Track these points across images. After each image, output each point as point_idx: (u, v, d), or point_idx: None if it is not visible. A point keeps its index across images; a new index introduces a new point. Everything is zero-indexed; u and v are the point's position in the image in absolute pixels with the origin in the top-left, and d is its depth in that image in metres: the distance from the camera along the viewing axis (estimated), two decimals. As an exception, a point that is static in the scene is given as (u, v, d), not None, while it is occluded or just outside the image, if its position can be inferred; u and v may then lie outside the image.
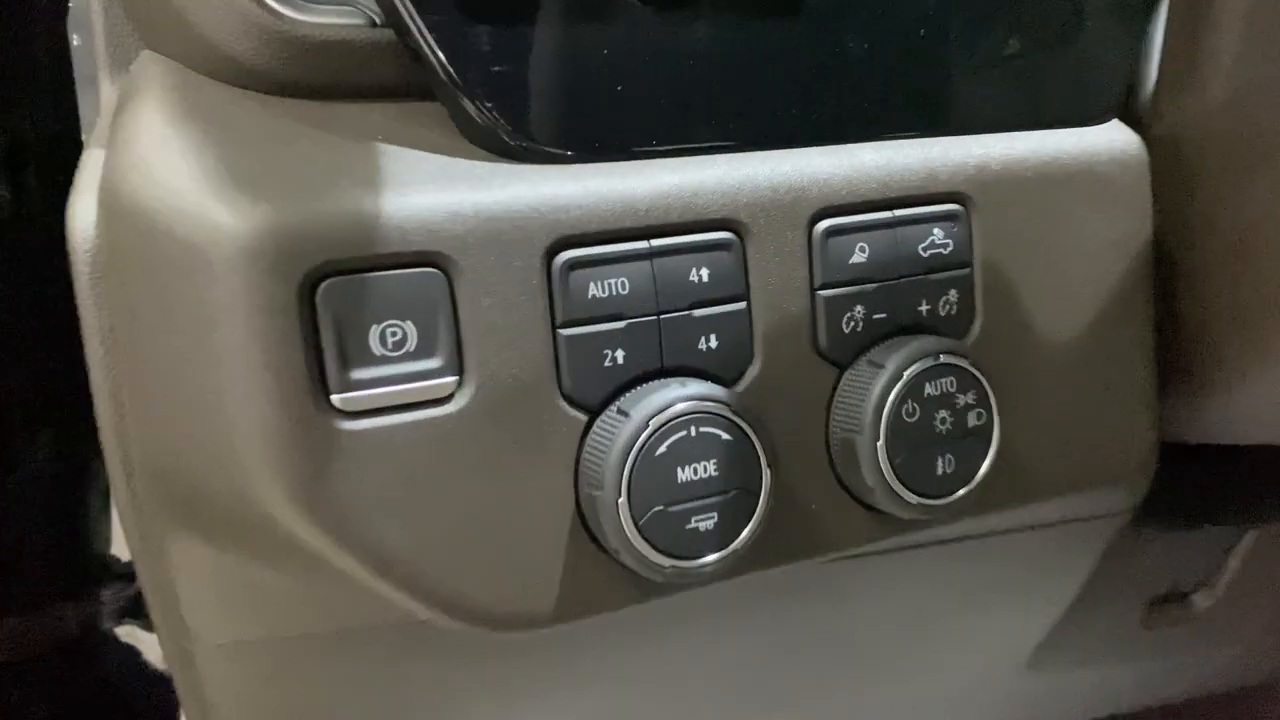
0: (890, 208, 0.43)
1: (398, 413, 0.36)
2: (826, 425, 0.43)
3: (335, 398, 0.35)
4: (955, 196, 0.44)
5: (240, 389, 0.35)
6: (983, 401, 0.43)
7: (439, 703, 0.48)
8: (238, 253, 0.34)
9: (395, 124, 0.39)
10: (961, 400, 0.43)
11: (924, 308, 0.44)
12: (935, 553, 0.54)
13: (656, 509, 0.38)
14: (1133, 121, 0.50)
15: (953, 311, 0.44)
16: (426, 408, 0.36)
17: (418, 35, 0.37)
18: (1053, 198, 0.46)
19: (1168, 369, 0.51)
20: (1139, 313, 0.49)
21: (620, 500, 0.37)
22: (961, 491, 0.43)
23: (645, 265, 0.39)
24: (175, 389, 0.36)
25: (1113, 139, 0.48)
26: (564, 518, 0.39)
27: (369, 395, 0.36)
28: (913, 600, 0.58)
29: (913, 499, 0.42)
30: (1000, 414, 0.46)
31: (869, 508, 0.44)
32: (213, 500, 0.37)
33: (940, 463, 0.42)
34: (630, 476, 0.37)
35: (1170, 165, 0.49)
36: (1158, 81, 0.49)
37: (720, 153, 0.41)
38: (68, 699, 0.63)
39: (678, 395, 0.38)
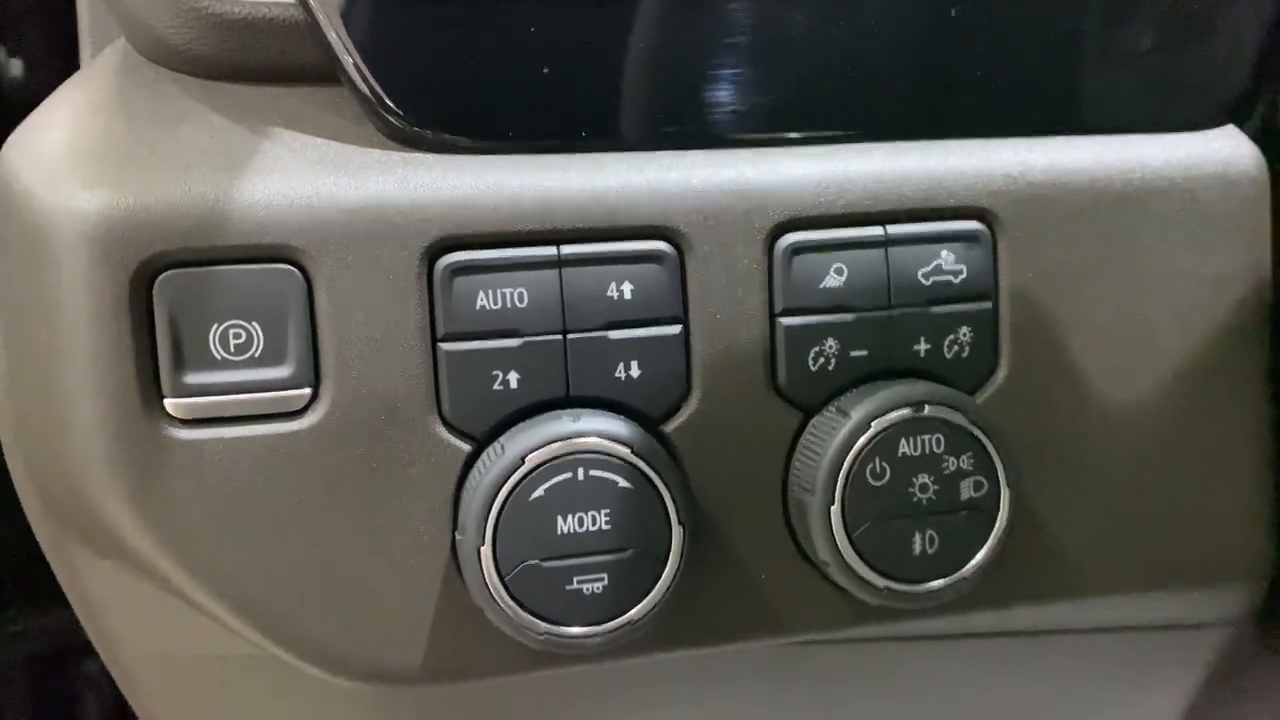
0: (882, 223, 0.35)
1: (239, 424, 0.32)
2: (784, 481, 0.36)
3: (168, 402, 0.32)
4: (975, 212, 0.36)
5: (74, 386, 0.32)
6: (984, 468, 0.34)
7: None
8: (75, 237, 0.31)
9: (307, 109, 0.35)
10: (951, 464, 0.34)
11: (921, 347, 0.36)
12: (992, 647, 0.44)
13: (527, 563, 0.32)
14: (1268, 132, 0.40)
15: (963, 354, 0.36)
16: (272, 421, 0.32)
17: (309, 5, 0.33)
18: (1121, 220, 0.37)
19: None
20: (1247, 370, 0.39)
21: (483, 548, 0.32)
22: (947, 579, 0.34)
23: (550, 275, 0.33)
24: (34, 384, 0.34)
25: (1216, 149, 0.38)
26: (437, 562, 0.34)
27: (206, 403, 0.32)
28: (970, 704, 0.48)
29: (878, 581, 0.34)
30: (1033, 488, 0.37)
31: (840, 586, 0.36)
32: (72, 505, 0.35)
33: (919, 540, 0.34)
34: (497, 521, 0.32)
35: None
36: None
37: (659, 150, 0.35)
38: (51, 696, 0.64)
39: (561, 430, 0.32)
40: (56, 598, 0.43)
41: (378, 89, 0.33)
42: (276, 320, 0.32)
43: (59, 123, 0.34)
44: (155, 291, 0.31)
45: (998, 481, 0.35)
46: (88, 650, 0.45)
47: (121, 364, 0.31)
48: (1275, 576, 0.42)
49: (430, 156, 0.34)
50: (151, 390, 0.32)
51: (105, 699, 0.66)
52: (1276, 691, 0.51)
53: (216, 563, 0.33)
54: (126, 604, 0.39)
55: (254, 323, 0.32)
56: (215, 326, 0.32)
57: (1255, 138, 0.39)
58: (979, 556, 0.35)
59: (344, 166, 0.33)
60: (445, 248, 0.33)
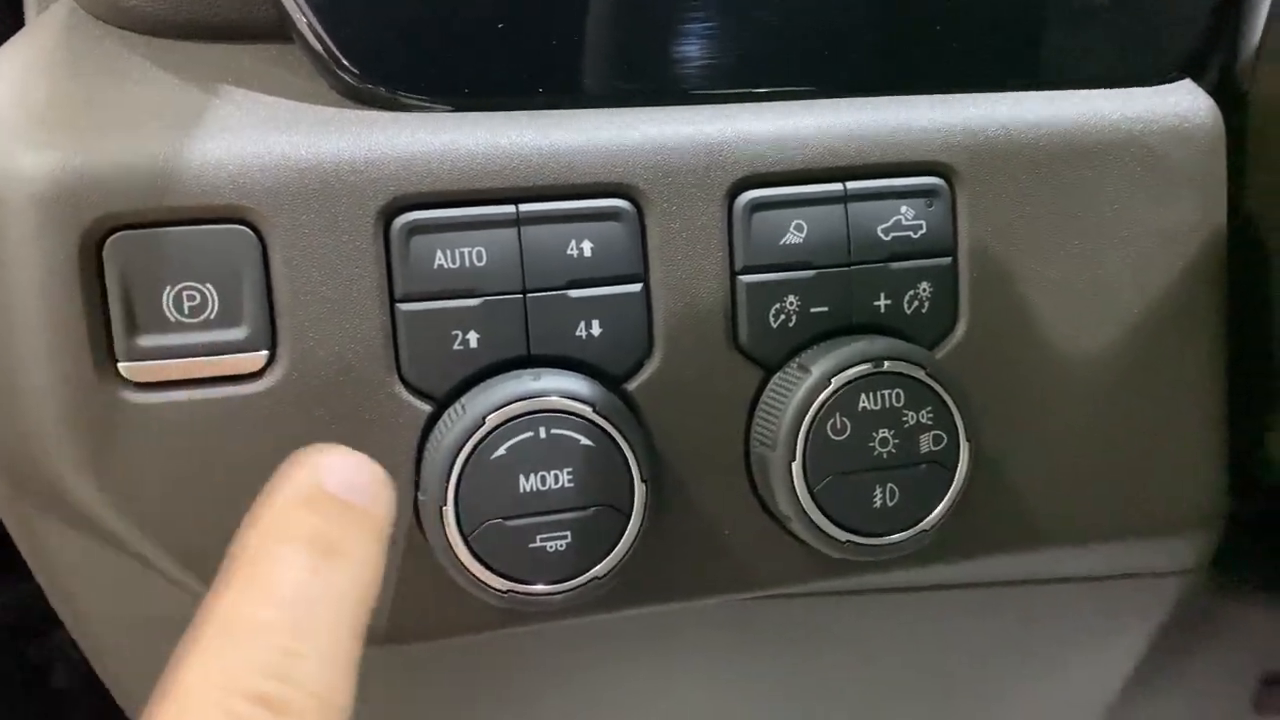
0: (841, 179, 0.35)
1: (194, 387, 0.32)
2: (746, 437, 0.36)
3: (122, 366, 0.31)
4: (934, 168, 0.36)
5: (25, 351, 0.31)
6: (943, 422, 0.35)
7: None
8: (22, 199, 0.31)
9: (259, 67, 0.35)
10: (911, 419, 0.34)
11: (882, 303, 0.36)
12: (955, 599, 0.45)
13: (491, 522, 0.32)
14: (1223, 85, 0.40)
15: (923, 309, 0.36)
16: (228, 384, 0.32)
17: (258, -40, 0.33)
18: (1078, 174, 0.37)
19: (1262, 392, 0.40)
20: (1201, 322, 0.39)
21: (445, 508, 0.32)
22: (907, 531, 0.35)
23: (509, 234, 0.33)
24: (-15, 347, 0.33)
25: (1173, 103, 0.38)
26: (399, 523, 0.34)
27: (160, 366, 0.31)
28: (935, 654, 0.49)
29: (839, 534, 0.34)
30: (992, 441, 0.37)
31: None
32: (29, 472, 0.34)
33: (880, 493, 0.34)
34: (459, 481, 0.32)
35: (1272, 140, 0.39)
36: (1266, 31, 0.39)
37: (617, 107, 0.35)
38: (21, 667, 0.64)
39: (522, 389, 0.32)
40: (21, 568, 0.42)
41: (330, 45, 0.33)
42: (231, 282, 0.32)
43: (3, 82, 0.33)
44: (106, 254, 0.31)
45: (957, 435, 0.35)
46: (57, 620, 0.45)
47: (73, 328, 0.31)
48: (1229, 524, 0.42)
49: (385, 114, 0.33)
50: (105, 354, 0.31)
51: (75, 668, 0.66)
52: (1227, 637, 0.52)
53: (175, 527, 0.33)
54: (90, 572, 0.39)
55: (208, 284, 0.32)
56: (168, 289, 0.31)
57: (1211, 91, 0.39)
58: (939, 509, 0.35)
59: (297, 125, 0.32)
60: (401, 207, 0.32)
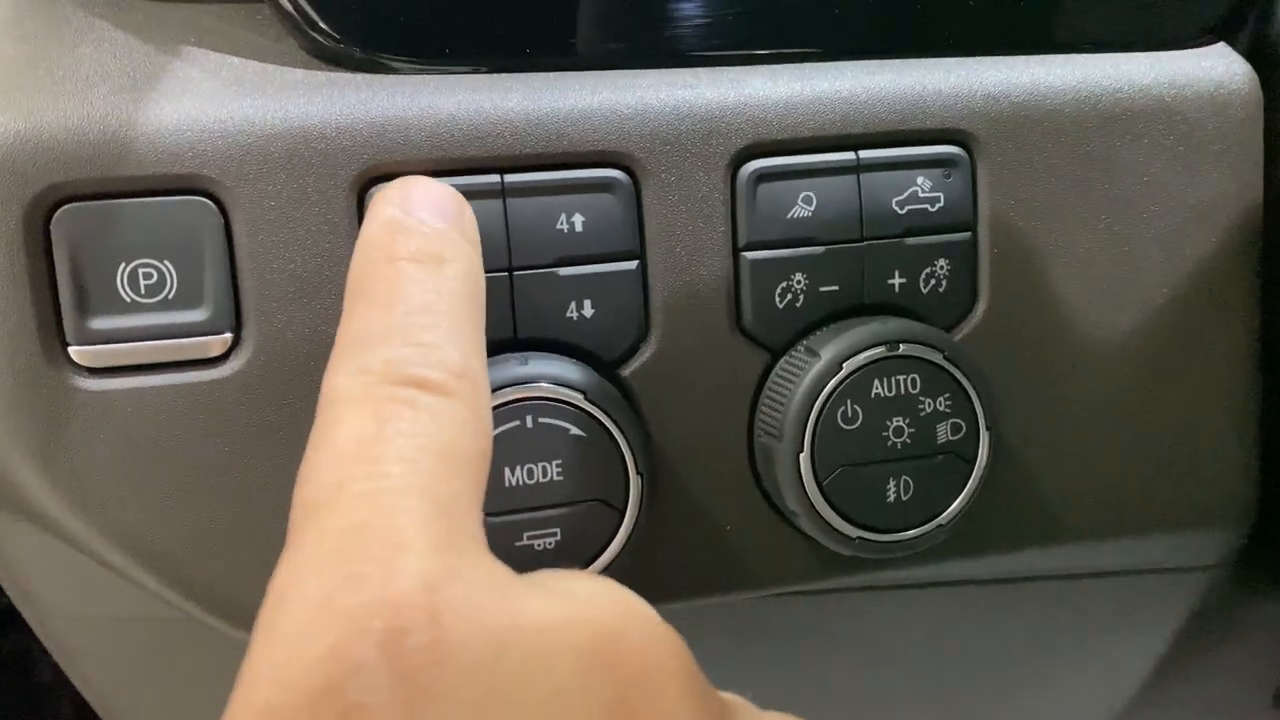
0: (853, 148, 0.33)
1: (151, 373, 0.29)
2: (750, 426, 0.33)
3: (73, 350, 0.29)
4: (952, 136, 0.33)
5: (-32, 332, 0.29)
6: (962, 410, 0.32)
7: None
8: (-36, 168, 0.28)
9: (223, 26, 0.32)
10: (927, 406, 0.32)
11: (896, 281, 0.33)
12: (970, 595, 0.43)
13: (473, 518, 0.29)
14: (1259, 49, 0.37)
15: (941, 288, 0.34)
16: (189, 369, 0.30)
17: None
18: (1106, 143, 0.35)
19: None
20: (1234, 302, 0.37)
21: (424, 503, 0.29)
22: (923, 527, 0.32)
23: (493, 206, 0.31)
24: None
25: (1208, 67, 0.35)
26: (375, 518, 0.31)
27: (114, 350, 0.29)
28: (948, 652, 0.46)
29: (850, 531, 0.32)
30: (1012, 429, 0.35)
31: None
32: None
33: (894, 486, 0.32)
34: (439, 474, 0.29)
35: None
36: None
37: (611, 70, 0.32)
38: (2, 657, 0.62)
39: (508, 375, 0.29)
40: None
41: (301, 2, 0.30)
42: (191, 258, 0.29)
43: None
44: (54, 228, 0.28)
45: (976, 423, 0.32)
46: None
47: (19, 308, 0.28)
48: (1257, 520, 0.40)
49: (359, 77, 0.31)
50: (54, 337, 0.29)
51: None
52: (1249, 634, 0.50)
53: (131, 523, 0.30)
54: (48, 568, 0.36)
55: (165, 261, 0.29)
56: (123, 266, 0.29)
57: (1247, 55, 0.37)
58: (957, 503, 0.33)
59: (263, 88, 0.30)
60: (376, 176, 0.30)
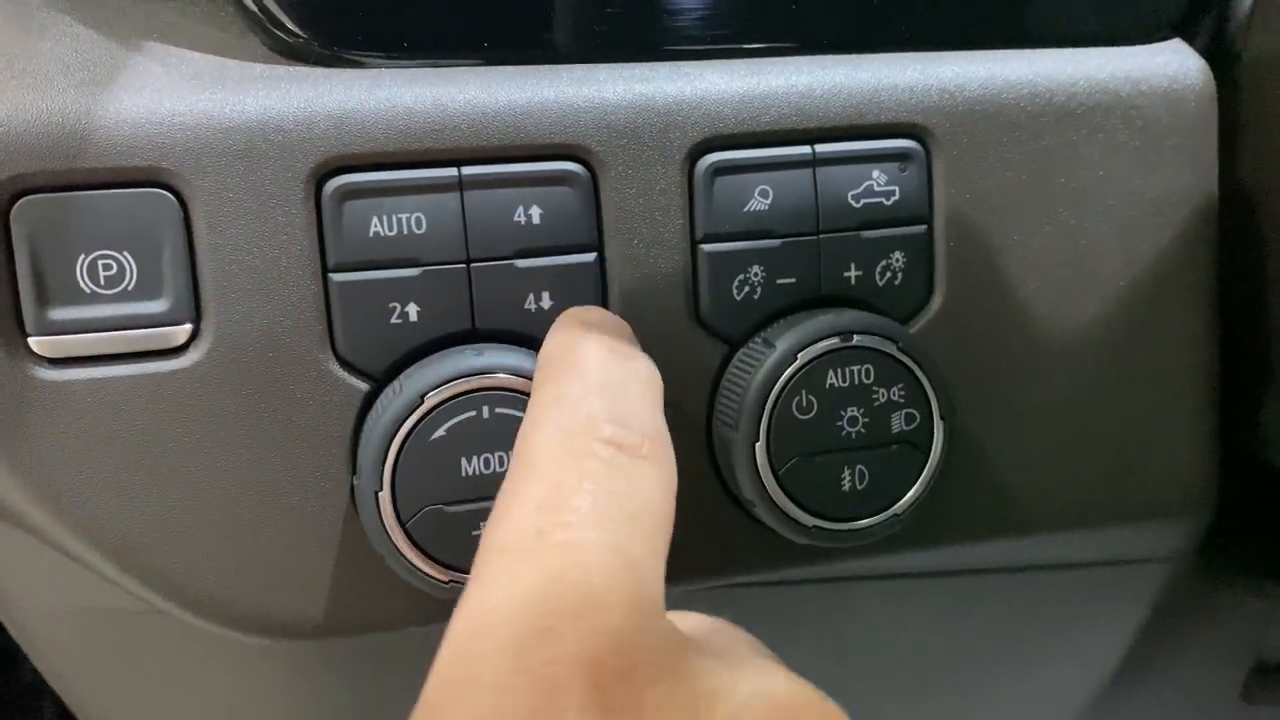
0: (809, 142, 0.33)
1: (111, 364, 0.30)
2: (709, 417, 0.34)
3: (33, 340, 0.29)
4: (908, 130, 0.34)
5: (-72, 323, 0.29)
6: (916, 401, 0.33)
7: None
8: (-78, 160, 0.28)
9: (183, 22, 0.32)
10: (882, 396, 0.32)
11: (852, 274, 0.34)
12: (933, 586, 0.43)
13: (430, 507, 0.30)
14: (1214, 45, 0.38)
15: (896, 281, 0.34)
16: (149, 359, 0.30)
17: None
18: (1062, 138, 0.35)
19: (1258, 371, 0.38)
20: (1191, 295, 0.37)
21: (381, 493, 0.30)
22: (878, 516, 0.33)
23: (450, 199, 0.31)
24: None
25: (1163, 63, 0.36)
26: (334, 509, 0.31)
27: (73, 340, 0.29)
28: (913, 645, 0.47)
29: (806, 519, 0.32)
30: (969, 420, 0.35)
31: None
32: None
33: (848, 476, 0.32)
34: (396, 465, 0.30)
35: (1267, 103, 0.37)
36: (1260, -9, 0.37)
37: (568, 63, 0.32)
38: None
39: (465, 366, 0.30)
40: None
41: (259, -3, 0.30)
42: (150, 250, 0.29)
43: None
44: (13, 219, 0.29)
45: (930, 414, 0.33)
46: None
47: (-22, 299, 0.29)
48: (1218, 509, 0.40)
49: (318, 70, 0.31)
50: (13, 328, 0.29)
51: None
52: (1218, 625, 0.51)
53: (92, 513, 0.30)
54: (13, 559, 0.37)
55: (125, 252, 0.29)
56: (82, 257, 0.29)
57: (1203, 52, 0.37)
58: (911, 492, 0.33)
59: (222, 81, 0.30)
60: (334, 169, 0.30)
